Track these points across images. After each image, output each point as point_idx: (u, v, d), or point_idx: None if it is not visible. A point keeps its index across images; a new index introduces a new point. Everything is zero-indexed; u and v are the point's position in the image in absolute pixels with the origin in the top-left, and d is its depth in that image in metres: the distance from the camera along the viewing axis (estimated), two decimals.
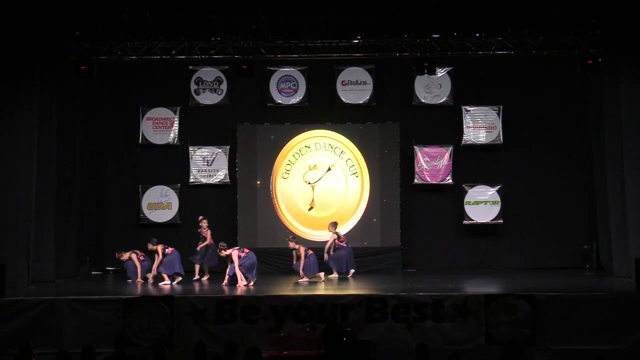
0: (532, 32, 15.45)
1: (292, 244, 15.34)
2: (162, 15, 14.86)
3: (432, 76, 16.66)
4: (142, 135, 17.71)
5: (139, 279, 15.40)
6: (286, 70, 17.74)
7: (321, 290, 13.90)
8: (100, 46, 15.58)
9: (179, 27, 15.44)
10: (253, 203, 17.43)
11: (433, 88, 17.68)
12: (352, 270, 15.84)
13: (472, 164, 17.64)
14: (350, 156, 17.66)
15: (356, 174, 17.64)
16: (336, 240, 15.98)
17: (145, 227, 17.57)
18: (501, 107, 17.59)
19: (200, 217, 16.15)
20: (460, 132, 17.64)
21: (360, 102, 17.81)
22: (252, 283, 14.48)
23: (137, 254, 15.66)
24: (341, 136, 17.68)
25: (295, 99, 17.84)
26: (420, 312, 12.30)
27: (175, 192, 17.69)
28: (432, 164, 17.62)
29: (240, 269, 14.47)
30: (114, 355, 9.26)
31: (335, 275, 15.75)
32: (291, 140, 17.66)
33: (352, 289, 14.17)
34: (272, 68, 17.69)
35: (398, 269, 16.87)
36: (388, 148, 17.55)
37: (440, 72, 17.35)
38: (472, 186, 17.57)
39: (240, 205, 17.41)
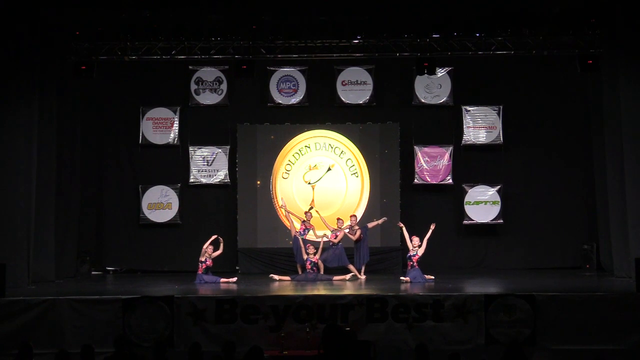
0: (532, 32, 15.43)
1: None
2: (162, 15, 14.85)
3: (432, 76, 16.66)
4: (142, 135, 17.70)
5: None
6: (286, 70, 17.73)
7: (321, 290, 13.89)
8: (100, 46, 15.56)
9: (179, 27, 15.42)
10: (253, 203, 17.43)
11: (433, 88, 17.68)
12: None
13: (472, 164, 17.65)
14: (350, 156, 17.65)
15: (356, 174, 17.64)
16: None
17: (145, 227, 17.58)
18: (501, 107, 17.60)
19: (351, 217, 16.14)
20: (460, 132, 17.65)
21: (360, 102, 17.80)
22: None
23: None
24: (341, 136, 17.68)
25: (295, 99, 17.84)
26: (420, 312, 12.26)
27: (175, 192, 17.67)
28: (432, 164, 17.62)
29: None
30: (114, 355, 9.26)
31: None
32: (291, 140, 17.65)
33: (352, 289, 14.16)
34: (272, 68, 17.68)
35: (398, 269, 16.84)
36: (388, 148, 17.55)
37: (440, 72, 17.35)
38: (472, 186, 17.58)
39: (240, 205, 17.40)
